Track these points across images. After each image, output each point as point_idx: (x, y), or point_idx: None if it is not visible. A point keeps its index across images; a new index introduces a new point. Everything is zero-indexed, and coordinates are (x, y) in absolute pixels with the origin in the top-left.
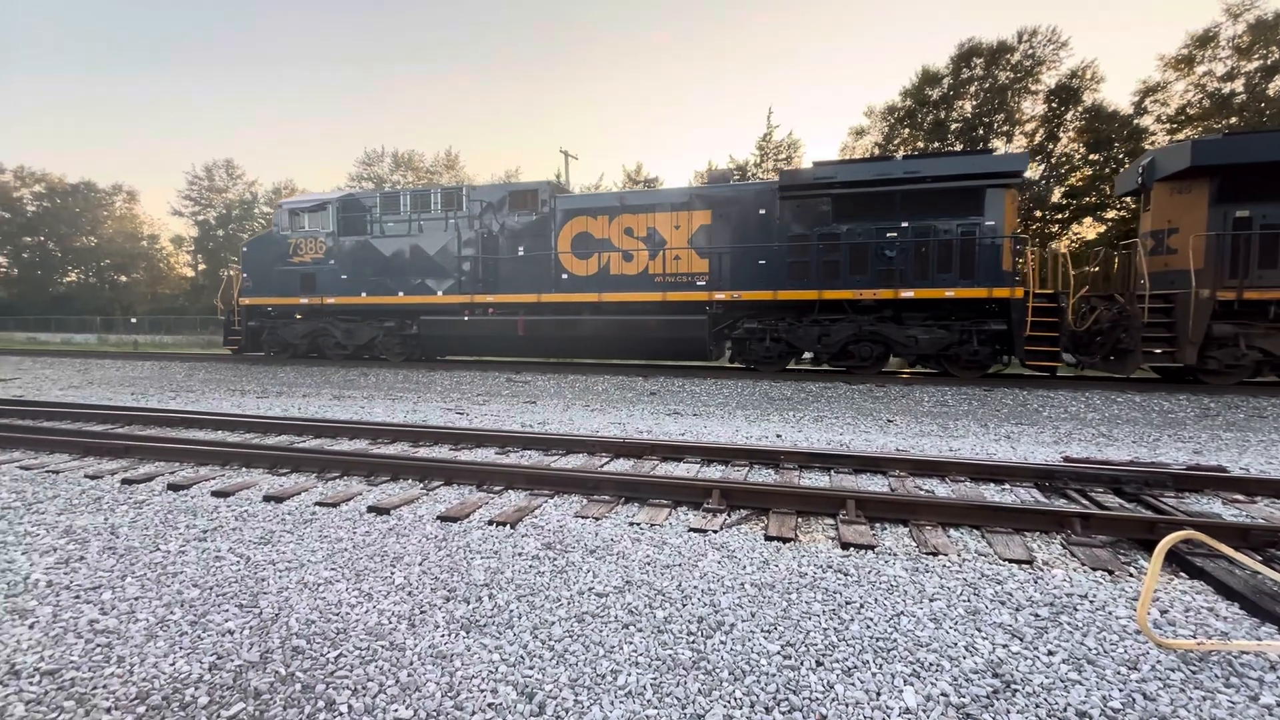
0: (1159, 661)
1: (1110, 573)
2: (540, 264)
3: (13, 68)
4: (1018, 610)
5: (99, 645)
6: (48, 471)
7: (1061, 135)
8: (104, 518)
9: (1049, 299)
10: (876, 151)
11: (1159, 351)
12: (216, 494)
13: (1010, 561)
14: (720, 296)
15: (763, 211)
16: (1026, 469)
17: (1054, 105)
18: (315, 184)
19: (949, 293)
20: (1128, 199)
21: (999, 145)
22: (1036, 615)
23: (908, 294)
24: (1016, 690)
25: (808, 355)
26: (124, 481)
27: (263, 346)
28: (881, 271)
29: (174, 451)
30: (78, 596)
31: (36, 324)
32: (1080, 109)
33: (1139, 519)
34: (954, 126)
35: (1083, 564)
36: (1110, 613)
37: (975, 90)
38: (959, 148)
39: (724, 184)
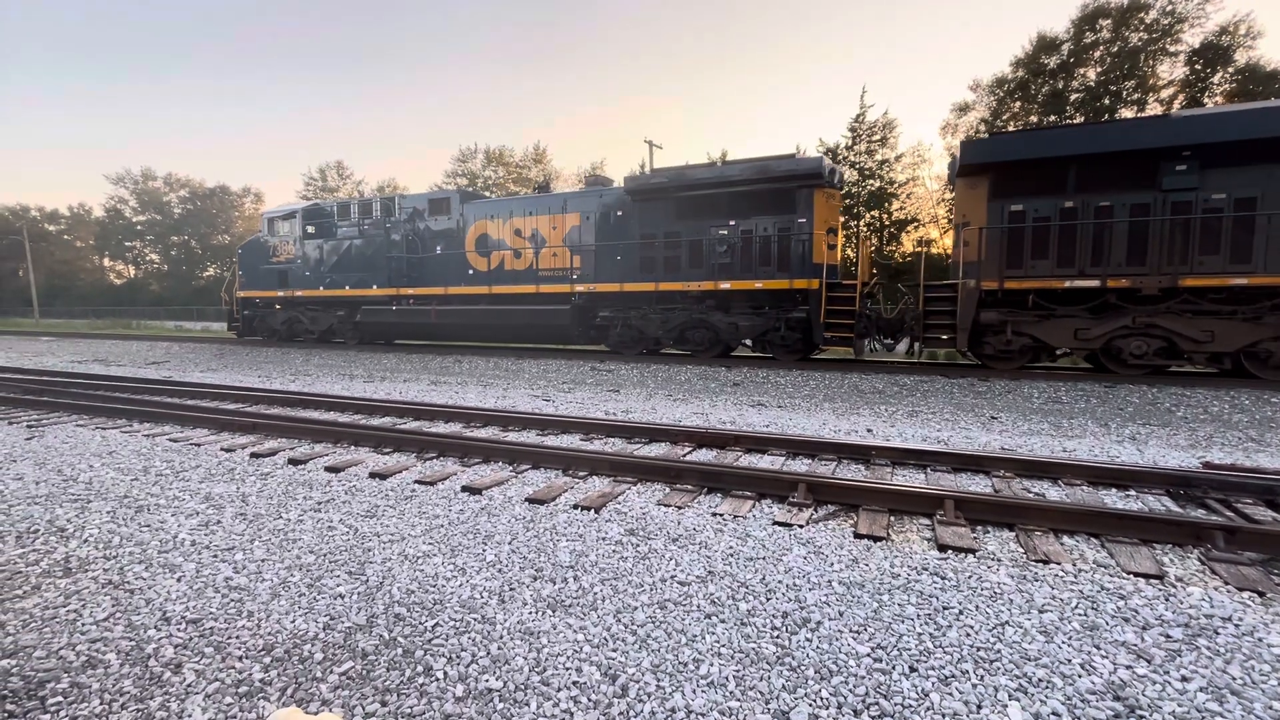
0: None
1: (1261, 594)
2: (452, 262)
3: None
4: (1144, 629)
5: (232, 600)
6: (191, 444)
7: (1207, 101)
8: (236, 487)
9: (851, 289)
10: (983, 128)
11: (945, 337)
12: (329, 469)
13: (1135, 575)
14: (580, 289)
15: (620, 213)
16: (1157, 474)
17: (1198, 67)
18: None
19: (758, 284)
20: None
21: (1128, 115)
22: (1168, 636)
23: (725, 285)
24: (1143, 717)
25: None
26: (252, 455)
27: (256, 331)
28: (714, 265)
29: (293, 429)
30: (215, 556)
31: (182, 313)
32: (1231, 70)
33: None
34: (1074, 97)
35: (1226, 582)
36: (1260, 639)
37: (1101, 55)
38: (1076, 119)
39: (591, 189)
